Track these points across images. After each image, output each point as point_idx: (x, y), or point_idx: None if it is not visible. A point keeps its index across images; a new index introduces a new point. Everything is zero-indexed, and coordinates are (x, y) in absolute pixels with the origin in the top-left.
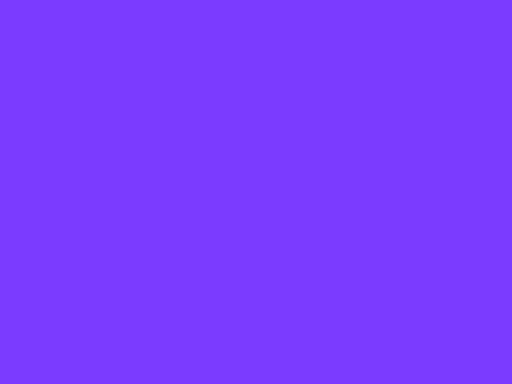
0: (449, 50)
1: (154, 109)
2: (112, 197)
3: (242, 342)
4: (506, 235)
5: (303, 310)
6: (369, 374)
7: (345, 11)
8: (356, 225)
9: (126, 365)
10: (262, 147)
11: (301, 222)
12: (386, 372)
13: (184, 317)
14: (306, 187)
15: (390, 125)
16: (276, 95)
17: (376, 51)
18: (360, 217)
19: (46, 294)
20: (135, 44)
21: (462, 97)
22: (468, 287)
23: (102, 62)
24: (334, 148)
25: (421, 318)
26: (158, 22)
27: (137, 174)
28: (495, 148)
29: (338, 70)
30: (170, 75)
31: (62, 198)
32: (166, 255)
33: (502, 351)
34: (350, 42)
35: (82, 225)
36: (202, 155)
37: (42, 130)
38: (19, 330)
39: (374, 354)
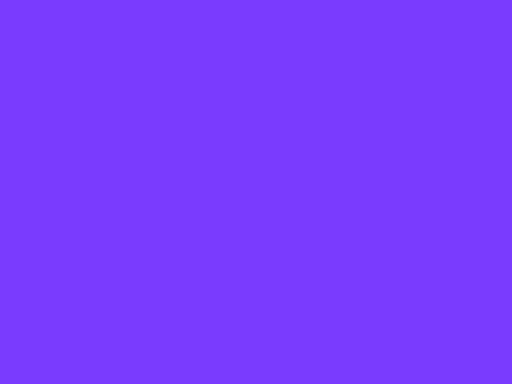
0: (449, 50)
1: (153, 108)
2: (111, 195)
3: (242, 342)
4: (506, 235)
5: (303, 311)
6: (369, 373)
7: (345, 11)
8: (355, 225)
9: (126, 365)
10: (261, 147)
11: (300, 222)
12: (386, 372)
13: (184, 317)
14: (304, 187)
15: (390, 125)
16: (276, 95)
17: (376, 51)
18: (359, 217)
19: (45, 294)
20: (135, 44)
21: (462, 97)
22: (468, 287)
23: (102, 62)
24: (333, 147)
25: (421, 318)
26: (158, 22)
27: (136, 173)
28: (495, 148)
29: (338, 71)
30: (170, 75)
31: (62, 197)
32: (165, 254)
33: (501, 351)
34: (349, 42)
35: (82, 225)
36: (201, 155)
37: (42, 129)
38: (19, 329)
39: (374, 354)
